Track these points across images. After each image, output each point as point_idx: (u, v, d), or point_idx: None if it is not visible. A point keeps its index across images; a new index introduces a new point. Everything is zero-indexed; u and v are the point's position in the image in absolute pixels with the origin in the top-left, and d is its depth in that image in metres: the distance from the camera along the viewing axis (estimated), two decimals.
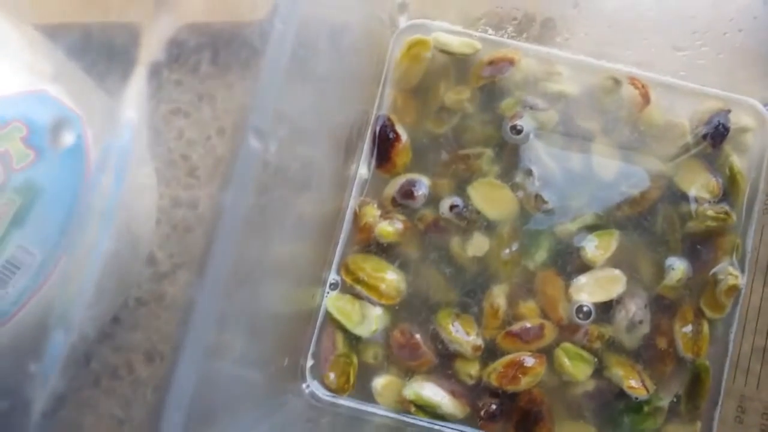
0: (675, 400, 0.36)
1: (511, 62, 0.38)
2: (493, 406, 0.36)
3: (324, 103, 0.27)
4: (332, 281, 0.37)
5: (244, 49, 0.37)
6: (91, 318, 0.32)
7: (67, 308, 0.22)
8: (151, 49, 0.24)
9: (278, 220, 0.25)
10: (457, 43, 0.38)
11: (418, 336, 0.36)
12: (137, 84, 0.25)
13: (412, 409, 0.36)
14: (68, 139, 0.31)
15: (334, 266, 0.37)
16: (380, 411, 0.36)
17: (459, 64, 0.38)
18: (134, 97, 0.24)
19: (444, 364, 0.36)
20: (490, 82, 0.38)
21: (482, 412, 0.36)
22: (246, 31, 0.35)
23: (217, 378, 0.23)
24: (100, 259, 0.24)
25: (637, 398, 0.36)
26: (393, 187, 0.37)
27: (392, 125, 0.38)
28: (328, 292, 0.37)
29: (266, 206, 0.22)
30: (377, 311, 0.36)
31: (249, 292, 0.24)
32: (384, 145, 0.38)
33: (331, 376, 0.36)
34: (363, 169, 0.38)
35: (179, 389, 0.19)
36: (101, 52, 0.35)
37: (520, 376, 0.35)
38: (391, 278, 0.37)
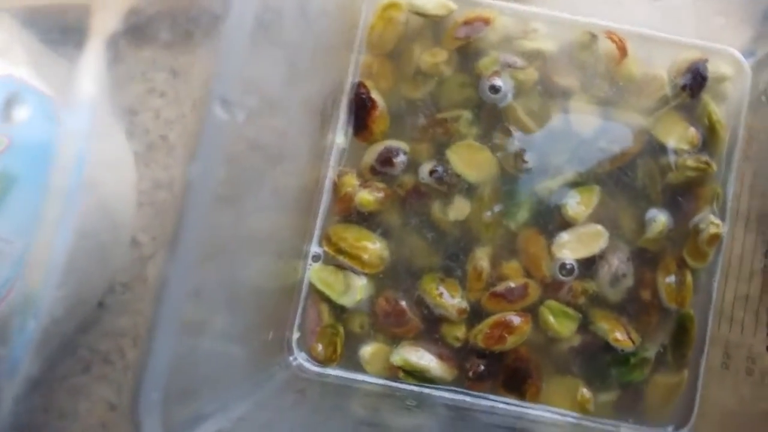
0: (661, 350, 0.37)
1: (486, 21, 0.37)
2: (481, 367, 0.36)
3: (295, 72, 0.27)
4: (314, 253, 0.37)
5: (203, 25, 0.36)
6: (63, 299, 0.31)
7: (33, 290, 0.22)
8: (105, 24, 0.23)
9: (252, 192, 0.25)
10: (431, 4, 0.37)
11: (403, 303, 0.36)
12: (93, 62, 0.24)
13: (401, 374, 0.36)
14: (22, 113, 0.30)
15: (315, 238, 0.37)
16: (369, 379, 0.37)
17: (434, 27, 0.38)
18: (92, 76, 0.24)
19: (430, 328, 0.37)
20: (465, 43, 0.37)
21: (470, 373, 0.36)
22: (205, 5, 0.34)
23: (197, 354, 0.23)
24: (66, 238, 0.24)
25: (623, 350, 0.36)
26: (371, 155, 0.37)
27: (368, 92, 0.37)
28: (310, 264, 0.37)
29: (238, 178, 0.22)
30: (361, 281, 0.36)
31: (225, 265, 0.23)
32: (360, 112, 0.37)
33: (319, 347, 0.37)
34: (340, 138, 0.38)
35: (155, 367, 0.19)
36: (51, 32, 0.34)
37: (506, 335, 0.35)
38: (373, 247, 0.36)
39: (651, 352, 0.36)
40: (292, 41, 0.25)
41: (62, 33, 0.33)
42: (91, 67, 0.23)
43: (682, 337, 0.37)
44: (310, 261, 0.37)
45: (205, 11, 0.34)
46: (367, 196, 0.36)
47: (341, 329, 0.37)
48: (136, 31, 0.37)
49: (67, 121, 0.24)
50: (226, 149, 0.19)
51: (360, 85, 0.37)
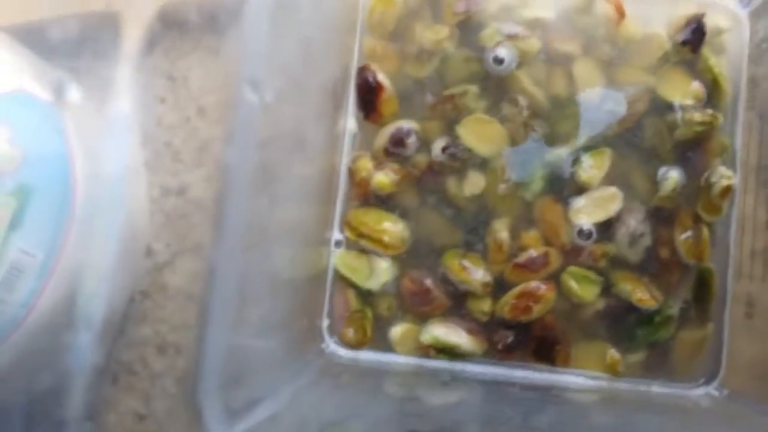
0: (684, 306, 0.37)
1: None
2: (510, 338, 0.36)
3: (310, 53, 0.27)
4: (336, 239, 0.37)
5: (220, 12, 0.36)
6: (110, 310, 0.32)
7: (87, 305, 0.22)
8: (133, 35, 0.24)
9: (279, 179, 0.25)
10: None
11: (428, 281, 0.37)
12: (123, 74, 0.24)
13: (432, 352, 0.36)
14: (73, 95, 0.30)
15: (336, 224, 0.37)
16: (401, 359, 0.37)
17: (433, 3, 0.38)
18: (119, 87, 0.24)
19: (456, 304, 0.37)
20: (465, 17, 0.37)
21: (499, 345, 0.36)
22: (216, 4, 0.34)
23: (244, 343, 0.23)
24: (112, 250, 0.24)
25: (647, 310, 0.36)
26: (383, 137, 0.37)
27: (374, 75, 0.37)
28: (334, 251, 0.37)
29: (268, 163, 0.22)
30: (385, 263, 0.37)
31: (264, 253, 0.24)
32: (368, 96, 0.37)
33: (349, 332, 0.37)
34: (351, 123, 0.38)
35: (212, 355, 0.19)
36: (75, 44, 0.34)
37: (531, 305, 0.36)
38: (393, 229, 0.37)
39: (674, 309, 0.37)
40: (305, 21, 0.25)
41: (83, 51, 0.33)
42: (123, 80, 0.23)
43: (703, 292, 0.37)
44: (333, 247, 0.37)
45: (217, 17, 0.34)
46: (383, 178, 0.36)
47: (369, 313, 0.37)
48: (153, 45, 0.37)
49: (103, 132, 0.24)
50: (257, 133, 0.20)
51: (365, 69, 0.37)
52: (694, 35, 0.37)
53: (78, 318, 0.26)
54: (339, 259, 0.37)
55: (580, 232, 0.37)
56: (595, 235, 0.36)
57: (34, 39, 0.33)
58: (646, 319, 0.36)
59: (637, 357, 0.37)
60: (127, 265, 0.36)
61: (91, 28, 0.35)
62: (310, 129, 0.30)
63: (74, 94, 0.35)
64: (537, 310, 0.36)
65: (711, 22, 0.37)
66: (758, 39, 0.37)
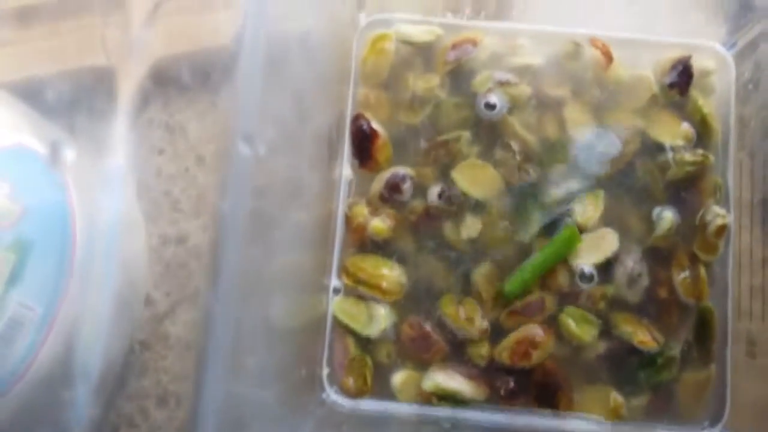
0: (686, 347, 0.37)
1: (473, 43, 0.38)
2: (511, 384, 0.36)
3: (303, 105, 0.28)
4: (335, 286, 0.37)
5: (214, 71, 0.37)
6: (107, 363, 0.31)
7: (85, 358, 0.22)
8: (128, 89, 0.24)
9: (276, 227, 0.26)
10: (418, 32, 0.38)
11: (427, 326, 0.36)
12: (119, 127, 0.25)
13: (434, 400, 0.36)
14: (67, 161, 0.31)
15: (334, 271, 0.37)
16: (403, 407, 0.36)
17: (424, 53, 0.39)
18: (118, 140, 0.24)
19: (456, 350, 0.36)
20: (456, 65, 0.38)
21: (502, 391, 0.36)
22: (218, 52, 0.35)
23: (240, 393, 0.23)
24: (108, 302, 0.24)
25: (648, 352, 0.36)
26: (379, 183, 0.38)
27: (368, 122, 0.38)
28: (332, 298, 0.37)
29: (263, 212, 0.23)
30: (383, 310, 0.36)
31: (259, 302, 0.24)
32: (363, 143, 0.38)
33: (349, 380, 0.36)
34: (347, 169, 0.38)
35: (207, 408, 0.19)
36: (71, 100, 0.35)
37: (531, 351, 0.36)
38: (391, 274, 0.37)
39: (676, 350, 0.36)
40: (297, 74, 0.25)
41: (78, 106, 0.33)
42: (119, 133, 0.23)
43: (704, 332, 0.37)
44: (331, 294, 0.37)
45: (214, 68, 0.35)
46: (380, 224, 0.37)
47: (369, 360, 0.37)
48: (149, 98, 0.38)
49: (100, 183, 0.24)
50: (251, 184, 0.20)
51: (359, 117, 0.38)
52: (681, 77, 0.38)
53: (76, 371, 0.26)
54: (337, 305, 0.37)
55: (582, 276, 0.36)
56: (596, 279, 0.36)
57: (31, 95, 0.34)
58: (648, 361, 0.36)
59: (640, 400, 0.36)
60: (126, 316, 0.36)
61: (87, 84, 0.35)
62: (305, 177, 0.30)
63: (72, 148, 0.35)
64: (536, 356, 0.36)
65: (698, 64, 0.38)
66: (744, 80, 0.38)
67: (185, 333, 0.38)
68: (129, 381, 0.37)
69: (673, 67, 0.38)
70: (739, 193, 0.38)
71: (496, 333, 0.36)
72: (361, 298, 0.37)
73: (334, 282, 0.37)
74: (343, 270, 0.37)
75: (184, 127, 0.39)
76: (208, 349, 0.18)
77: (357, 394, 0.36)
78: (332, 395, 0.36)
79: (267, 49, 0.20)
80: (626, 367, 0.36)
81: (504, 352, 0.36)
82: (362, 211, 0.37)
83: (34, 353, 0.30)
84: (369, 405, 0.36)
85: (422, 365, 0.37)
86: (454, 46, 0.38)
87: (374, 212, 0.37)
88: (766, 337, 0.35)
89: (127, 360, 0.37)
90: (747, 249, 0.37)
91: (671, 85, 0.38)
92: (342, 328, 0.37)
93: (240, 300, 0.20)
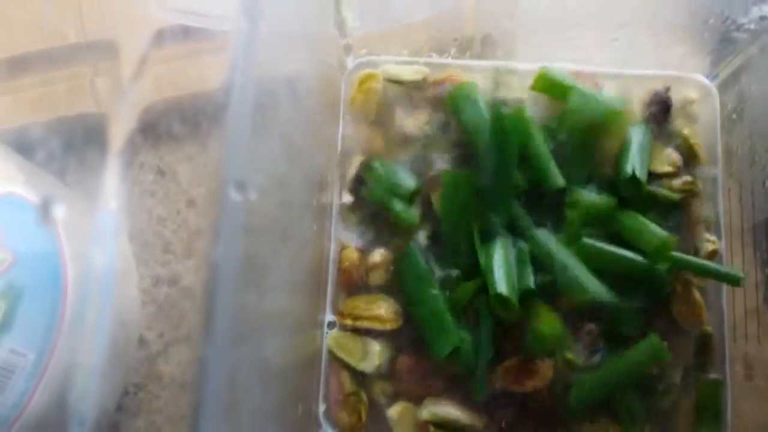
0: (685, 373, 0.37)
1: (453, 82, 0.39)
2: (510, 416, 0.36)
3: (292, 149, 0.28)
4: (329, 320, 0.37)
5: (203, 117, 0.37)
6: (101, 407, 0.31)
7: (78, 401, 0.22)
8: (120, 135, 0.25)
9: (268, 269, 0.26)
10: (405, 72, 0.39)
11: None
12: (111, 172, 0.25)
13: (432, 430, 0.36)
14: (57, 212, 0.31)
15: (328, 305, 0.37)
16: None
17: (412, 92, 0.39)
18: (111, 185, 0.24)
19: (452, 384, 0.36)
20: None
21: (502, 424, 0.36)
22: (206, 100, 0.36)
23: None
24: (101, 346, 0.24)
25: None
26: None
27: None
28: (327, 333, 0.37)
29: (255, 256, 0.23)
30: (378, 346, 0.36)
31: (253, 343, 0.24)
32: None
33: (344, 416, 0.36)
34: (347, 197, 0.38)
35: None
36: (63, 147, 0.35)
37: (524, 379, 0.35)
38: (386, 304, 0.37)
39: (676, 377, 0.36)
40: (286, 120, 0.26)
41: (69, 153, 0.34)
42: (111, 177, 0.23)
43: (703, 356, 0.37)
44: (326, 329, 0.37)
45: (204, 112, 0.36)
46: (377, 276, 0.37)
47: (364, 396, 0.37)
48: (144, 142, 0.38)
49: (92, 231, 0.25)
50: (243, 229, 0.20)
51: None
52: (660, 108, 0.38)
53: (69, 417, 0.26)
54: (333, 340, 0.37)
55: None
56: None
57: (22, 144, 0.35)
58: (649, 388, 0.36)
59: (639, 428, 0.36)
60: (119, 359, 0.36)
61: (78, 131, 0.36)
62: (296, 219, 0.31)
63: (63, 196, 0.35)
64: (530, 384, 0.36)
65: (680, 93, 0.39)
66: (728, 110, 0.39)
67: (179, 373, 0.38)
68: (124, 421, 0.37)
69: (652, 99, 0.38)
70: (729, 220, 0.38)
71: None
72: (356, 332, 0.37)
73: (329, 317, 0.37)
74: (338, 313, 0.37)
75: (174, 170, 0.40)
76: (202, 394, 0.18)
77: (351, 429, 0.36)
78: (329, 431, 0.36)
79: (255, 95, 0.20)
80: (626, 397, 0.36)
81: (499, 377, 0.35)
82: (351, 255, 0.38)
83: (26, 400, 0.30)
84: None
85: (418, 400, 0.36)
86: (435, 84, 0.39)
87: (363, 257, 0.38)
88: (763, 359, 0.35)
89: (122, 401, 0.37)
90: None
91: (650, 117, 0.38)
92: (337, 363, 0.37)
93: (233, 343, 0.20)
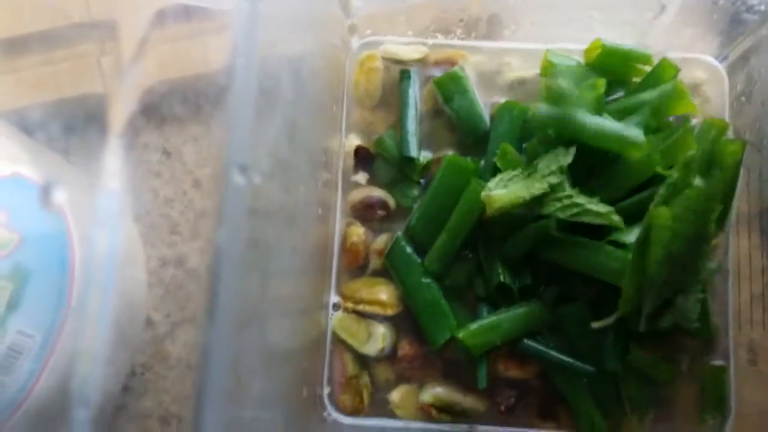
0: (690, 360, 0.37)
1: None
2: (512, 399, 0.36)
3: (296, 131, 0.28)
4: (334, 302, 0.38)
5: (210, 99, 0.37)
6: (106, 390, 0.31)
7: (82, 383, 0.22)
8: (121, 115, 0.24)
9: (273, 252, 0.26)
10: (404, 50, 0.39)
11: (425, 347, 0.36)
12: (113, 152, 0.25)
13: (434, 412, 0.36)
14: (58, 198, 0.31)
15: (333, 287, 0.38)
16: (404, 423, 0.36)
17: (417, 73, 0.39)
18: (113, 165, 0.24)
19: (454, 369, 0.37)
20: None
21: (502, 407, 0.36)
22: (209, 81, 0.36)
23: (241, 421, 0.23)
24: (105, 329, 0.24)
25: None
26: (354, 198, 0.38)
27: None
28: (332, 314, 0.37)
29: (259, 239, 0.23)
30: (382, 329, 0.37)
31: (258, 329, 0.24)
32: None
33: (346, 398, 0.37)
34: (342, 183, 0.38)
35: (210, 430, 0.19)
36: (72, 126, 0.35)
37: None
38: (388, 289, 0.37)
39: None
40: (290, 103, 0.26)
41: (74, 132, 0.34)
42: (110, 165, 0.23)
43: (708, 343, 0.37)
44: (331, 311, 0.37)
45: (207, 93, 0.35)
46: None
47: (367, 378, 0.37)
48: (147, 122, 0.38)
49: (94, 211, 0.24)
50: (247, 212, 0.20)
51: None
52: None
53: (75, 398, 0.26)
54: (338, 322, 0.37)
55: None
56: None
57: (26, 123, 0.34)
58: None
59: (644, 414, 0.36)
60: (126, 340, 0.36)
61: (81, 112, 0.36)
62: (301, 201, 0.31)
63: (70, 174, 0.35)
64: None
65: (690, 75, 0.38)
66: (737, 93, 0.38)
67: (186, 354, 0.38)
68: (130, 402, 0.37)
69: None
70: (736, 204, 0.38)
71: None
72: (361, 315, 0.37)
73: (334, 298, 0.38)
74: (341, 295, 0.37)
75: (180, 151, 0.39)
76: (207, 378, 0.18)
77: (353, 411, 0.37)
78: (333, 414, 0.37)
79: (258, 77, 0.20)
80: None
81: (500, 362, 0.36)
82: (357, 230, 0.38)
83: (33, 381, 0.30)
84: (370, 423, 0.37)
85: (421, 381, 0.37)
86: (436, 64, 0.39)
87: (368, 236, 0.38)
88: (767, 345, 0.35)
89: (129, 382, 0.37)
90: (746, 258, 0.37)
91: None
92: (341, 345, 0.37)
93: (237, 326, 0.20)
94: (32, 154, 0.33)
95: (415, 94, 0.38)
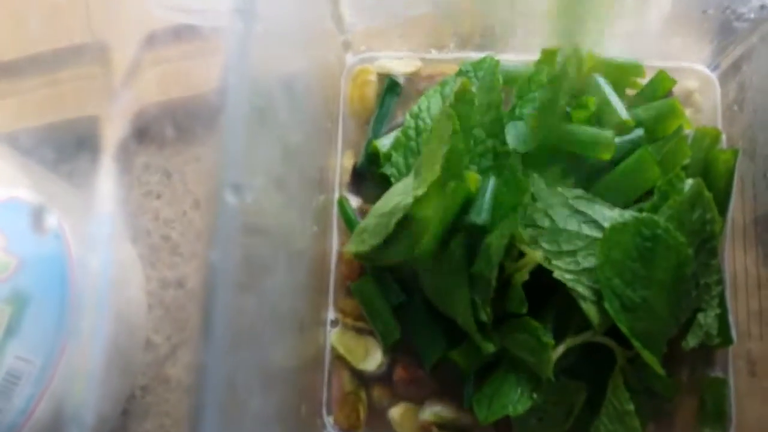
0: (689, 371, 0.36)
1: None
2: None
3: (290, 150, 0.28)
4: (332, 318, 0.37)
5: (203, 120, 0.37)
6: (102, 413, 0.31)
7: (77, 407, 0.22)
8: (114, 138, 0.25)
9: (269, 270, 0.26)
10: (397, 65, 0.39)
11: (420, 371, 0.36)
12: (106, 175, 0.25)
13: (434, 430, 0.36)
14: (51, 222, 0.31)
15: (331, 303, 0.37)
16: None
17: (407, 85, 0.39)
18: (106, 188, 0.24)
19: (450, 387, 0.36)
20: None
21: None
22: (202, 102, 0.36)
23: None
24: (100, 352, 0.24)
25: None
26: None
27: None
28: (330, 330, 0.37)
29: (254, 257, 0.23)
30: (379, 346, 0.37)
31: (254, 347, 0.24)
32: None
33: (342, 415, 0.36)
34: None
35: None
36: (64, 149, 0.36)
37: None
38: None
39: (683, 375, 0.36)
40: (284, 121, 0.26)
41: (73, 153, 0.34)
42: (105, 186, 0.24)
43: (707, 355, 0.37)
44: (329, 327, 0.37)
45: (205, 112, 0.36)
46: None
47: (364, 395, 0.37)
48: (143, 143, 0.38)
49: (88, 235, 0.25)
50: (240, 231, 0.20)
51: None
52: None
53: (75, 423, 0.26)
54: (336, 337, 0.37)
55: None
56: None
57: (23, 146, 0.35)
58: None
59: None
60: (125, 362, 0.36)
61: (75, 134, 0.36)
62: (296, 218, 0.31)
63: (70, 197, 0.35)
64: None
65: (681, 84, 0.38)
66: (729, 101, 0.38)
67: (186, 376, 0.38)
68: (131, 425, 0.37)
69: None
70: (734, 214, 0.38)
71: None
72: (359, 332, 0.37)
73: (332, 315, 0.37)
74: (339, 311, 0.37)
75: (180, 171, 0.40)
76: (202, 398, 0.18)
77: (349, 428, 0.36)
78: (332, 431, 0.36)
79: (251, 97, 0.20)
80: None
81: None
82: None
83: (32, 406, 0.30)
84: None
85: (417, 402, 0.36)
86: (429, 78, 0.39)
87: None
88: (766, 356, 0.35)
89: (129, 404, 0.37)
90: (742, 270, 0.37)
91: None
92: (339, 361, 0.37)
93: (233, 346, 0.20)
94: (31, 177, 0.33)
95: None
